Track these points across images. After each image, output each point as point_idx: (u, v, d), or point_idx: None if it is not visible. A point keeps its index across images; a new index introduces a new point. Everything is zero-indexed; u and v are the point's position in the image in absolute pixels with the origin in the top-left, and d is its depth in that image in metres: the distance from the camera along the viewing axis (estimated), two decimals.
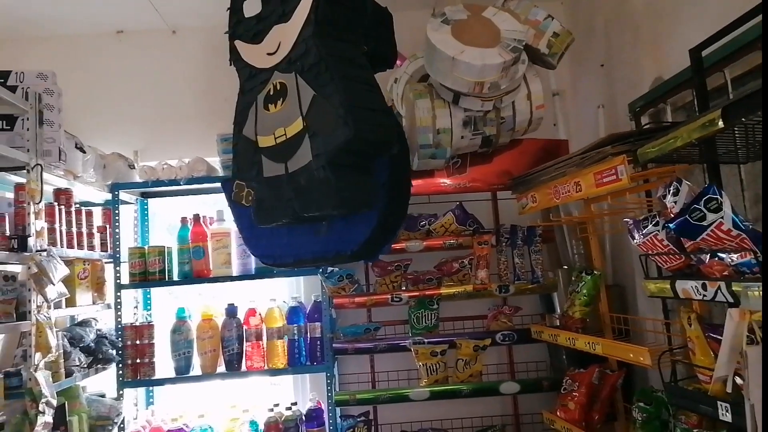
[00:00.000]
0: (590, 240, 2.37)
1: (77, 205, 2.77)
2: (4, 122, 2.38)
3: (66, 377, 2.45)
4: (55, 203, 2.57)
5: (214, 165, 3.01)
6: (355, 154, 1.81)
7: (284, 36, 1.96)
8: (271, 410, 2.81)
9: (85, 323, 2.83)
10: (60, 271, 2.34)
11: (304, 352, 2.85)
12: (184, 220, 2.97)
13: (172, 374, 2.86)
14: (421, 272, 2.80)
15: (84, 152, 2.72)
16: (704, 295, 1.44)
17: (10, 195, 2.44)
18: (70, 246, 2.64)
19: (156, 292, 3.24)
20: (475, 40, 2.33)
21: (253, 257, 2.84)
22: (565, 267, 2.79)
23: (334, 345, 2.79)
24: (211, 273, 2.90)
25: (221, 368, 2.87)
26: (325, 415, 2.83)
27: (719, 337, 1.41)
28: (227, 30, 2.17)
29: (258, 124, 2.03)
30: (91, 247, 2.85)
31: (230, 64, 2.17)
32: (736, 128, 1.36)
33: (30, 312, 2.26)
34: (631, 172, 1.76)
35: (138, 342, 2.87)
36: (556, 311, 2.79)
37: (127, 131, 3.27)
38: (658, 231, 1.58)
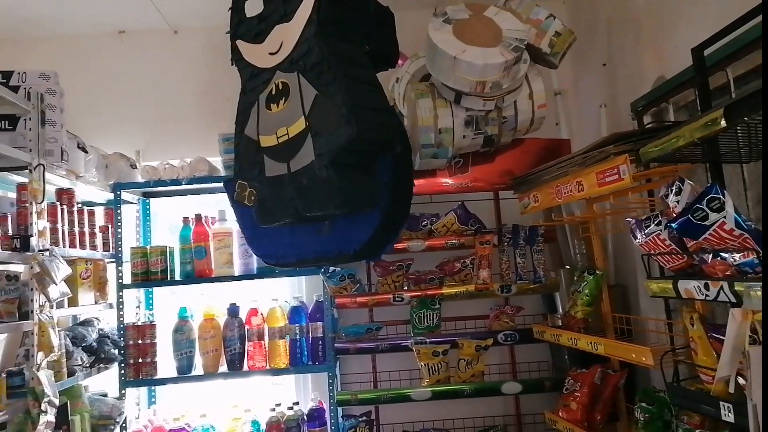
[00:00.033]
0: (592, 240, 2.37)
1: (79, 205, 2.78)
2: (7, 122, 2.39)
3: (68, 377, 2.46)
4: (58, 203, 2.58)
5: (215, 165, 3.01)
6: (358, 154, 1.80)
7: (286, 36, 1.96)
8: (273, 410, 2.81)
9: (87, 323, 2.84)
10: (62, 270, 2.34)
11: (305, 352, 2.85)
12: (186, 219, 2.98)
13: (174, 374, 2.86)
14: (423, 272, 2.80)
15: (86, 152, 2.72)
16: (707, 295, 1.43)
17: (13, 195, 2.45)
18: (72, 246, 2.64)
19: (158, 291, 3.24)
20: (476, 40, 2.33)
21: (255, 257, 2.85)
22: (568, 267, 2.78)
23: (335, 345, 2.79)
24: (213, 273, 2.91)
25: (223, 368, 2.87)
26: (327, 415, 2.83)
27: (722, 337, 1.40)
28: (229, 30, 2.17)
29: (260, 123, 2.03)
30: (94, 247, 2.85)
31: (232, 64, 2.17)
32: (738, 127, 1.36)
33: (32, 311, 2.27)
34: (633, 171, 1.75)
35: (140, 342, 2.87)
36: (558, 311, 2.78)
37: (129, 131, 3.28)
38: (661, 231, 1.58)
